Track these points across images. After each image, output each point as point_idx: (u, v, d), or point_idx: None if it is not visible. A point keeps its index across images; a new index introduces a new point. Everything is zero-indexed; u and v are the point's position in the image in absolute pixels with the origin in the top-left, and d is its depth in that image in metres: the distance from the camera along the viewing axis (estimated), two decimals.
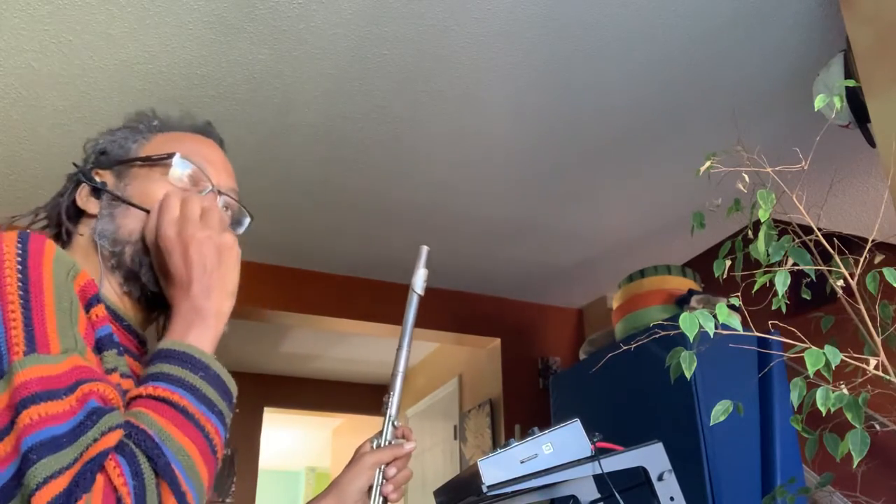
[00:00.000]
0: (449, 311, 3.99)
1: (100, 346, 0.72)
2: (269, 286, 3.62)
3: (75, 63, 2.19)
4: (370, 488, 1.00)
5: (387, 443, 1.02)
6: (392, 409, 1.03)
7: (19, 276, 0.66)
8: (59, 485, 0.56)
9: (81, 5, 1.97)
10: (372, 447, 1.03)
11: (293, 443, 7.92)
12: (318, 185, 2.91)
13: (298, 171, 2.81)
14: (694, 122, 2.56)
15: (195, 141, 0.93)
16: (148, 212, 0.84)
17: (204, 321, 0.75)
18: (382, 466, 1.01)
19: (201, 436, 0.66)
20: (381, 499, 1.00)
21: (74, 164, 0.92)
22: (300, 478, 8.77)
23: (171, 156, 0.88)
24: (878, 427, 1.48)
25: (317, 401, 5.87)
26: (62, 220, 0.88)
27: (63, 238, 0.88)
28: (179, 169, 0.88)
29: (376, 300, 3.74)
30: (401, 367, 1.04)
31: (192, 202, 0.80)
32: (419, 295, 1.08)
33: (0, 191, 2.84)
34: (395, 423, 1.03)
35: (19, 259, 0.67)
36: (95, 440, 0.59)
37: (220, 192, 0.91)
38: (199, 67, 2.23)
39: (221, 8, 2.00)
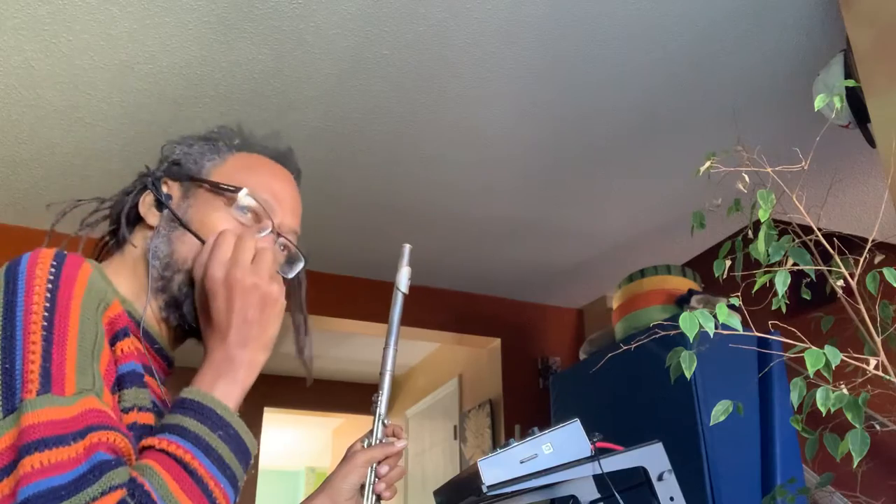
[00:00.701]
0: (449, 311, 3.99)
1: (121, 383, 0.71)
2: None
3: (75, 63, 2.19)
4: (363, 486, 1.01)
5: (377, 441, 1.03)
6: (381, 408, 1.03)
7: (46, 304, 0.64)
8: None
9: (81, 5, 1.97)
10: (363, 446, 1.04)
11: (293, 443, 7.92)
12: (318, 184, 2.91)
13: None
14: (694, 121, 2.56)
15: (269, 173, 0.90)
16: (203, 241, 0.82)
17: (234, 373, 0.73)
18: (374, 465, 1.01)
19: (207, 501, 0.65)
20: (374, 497, 1.00)
21: (146, 167, 0.91)
22: (300, 478, 8.77)
23: (237, 189, 0.85)
24: (878, 427, 1.48)
25: (317, 401, 5.87)
26: (121, 223, 0.87)
27: (119, 238, 0.87)
28: (243, 204, 0.85)
29: (376, 300, 3.74)
30: (388, 367, 1.04)
31: (245, 244, 0.78)
32: (404, 293, 1.08)
33: (0, 191, 2.84)
34: (385, 421, 1.04)
35: (49, 286, 0.66)
36: (95, 499, 0.57)
37: (279, 234, 0.88)
38: (199, 67, 2.23)
39: (221, 8, 2.00)
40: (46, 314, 0.64)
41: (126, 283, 0.81)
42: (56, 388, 0.60)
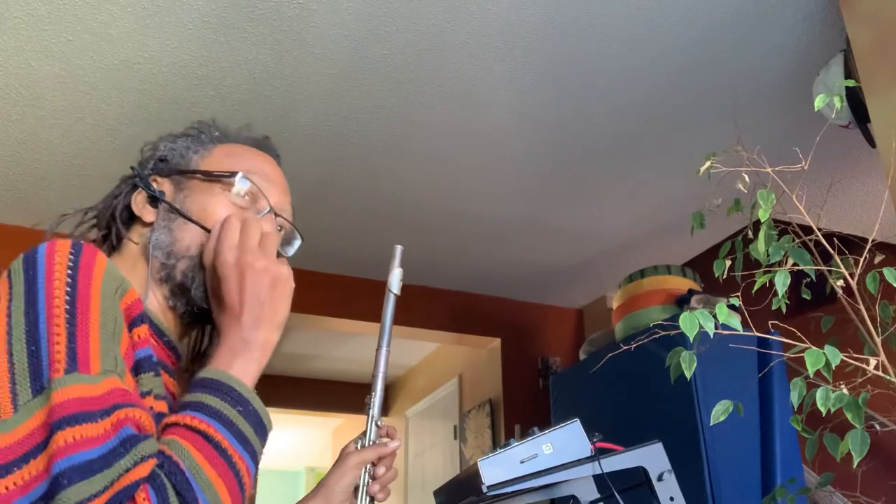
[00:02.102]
0: (449, 311, 3.99)
1: (138, 368, 0.72)
2: None
3: (75, 63, 2.19)
4: (356, 488, 1.01)
5: (370, 442, 1.03)
6: (374, 409, 1.03)
7: (68, 289, 0.65)
8: None
9: (81, 5, 1.97)
10: (356, 447, 1.04)
11: (293, 443, 7.91)
12: (318, 184, 2.91)
13: (298, 170, 2.81)
14: (694, 121, 2.56)
15: (256, 157, 0.92)
16: (206, 229, 0.83)
17: (250, 353, 0.75)
18: (368, 466, 1.01)
19: (231, 473, 0.66)
20: (368, 498, 1.00)
21: (132, 168, 0.91)
22: (300, 478, 8.76)
23: (233, 174, 0.87)
24: (878, 427, 1.48)
25: (317, 401, 5.87)
26: (114, 224, 0.87)
27: (112, 241, 0.88)
28: (240, 187, 0.87)
29: (376, 300, 3.70)
30: (381, 368, 1.04)
31: (252, 228, 0.80)
32: (396, 295, 1.09)
33: (0, 191, 2.84)
34: (379, 422, 1.04)
35: (69, 272, 0.67)
36: (128, 469, 0.59)
37: (276, 214, 0.90)
38: (199, 68, 2.23)
39: (221, 8, 2.00)
40: (68, 298, 0.65)
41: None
42: (82, 368, 0.62)
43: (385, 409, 6.05)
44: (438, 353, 5.09)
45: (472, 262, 3.70)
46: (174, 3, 1.98)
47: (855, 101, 1.88)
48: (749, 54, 2.24)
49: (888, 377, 1.20)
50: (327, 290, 3.76)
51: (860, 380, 1.20)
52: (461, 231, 3.35)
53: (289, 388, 5.75)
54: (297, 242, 0.95)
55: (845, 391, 1.13)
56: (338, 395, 5.87)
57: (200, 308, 0.83)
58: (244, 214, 0.84)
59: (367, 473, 1.01)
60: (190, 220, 0.84)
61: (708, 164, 1.39)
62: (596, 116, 2.53)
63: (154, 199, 0.86)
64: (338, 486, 1.01)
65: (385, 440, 1.04)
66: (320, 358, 5.47)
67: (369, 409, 1.03)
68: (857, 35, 1.82)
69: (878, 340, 1.25)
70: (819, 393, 1.13)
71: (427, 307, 3.84)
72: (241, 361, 0.74)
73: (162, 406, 0.74)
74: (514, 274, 3.87)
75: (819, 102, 1.33)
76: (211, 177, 0.87)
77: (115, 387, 0.63)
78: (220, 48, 2.15)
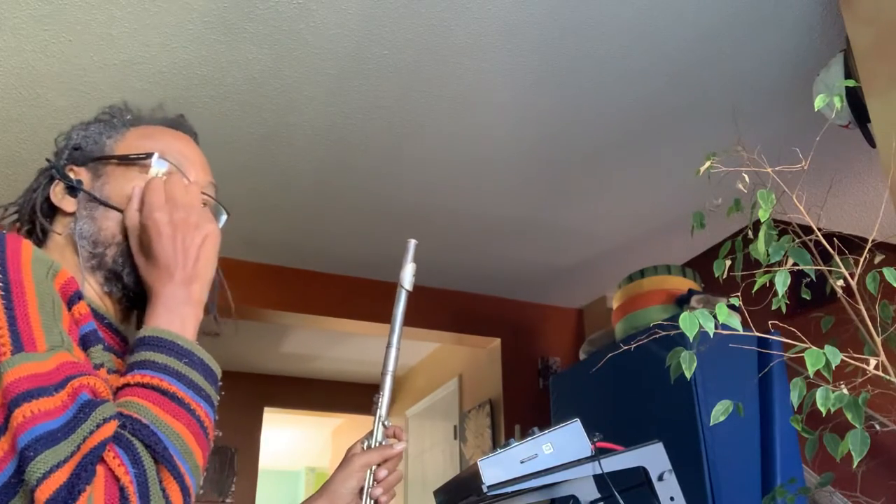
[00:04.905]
0: (449, 311, 3.99)
1: (85, 343, 0.72)
2: (269, 286, 3.62)
3: (75, 63, 2.19)
4: (361, 489, 1.01)
5: (377, 443, 1.02)
6: (382, 410, 1.02)
7: None
8: (60, 478, 0.57)
9: (81, 5, 1.97)
10: (362, 448, 1.03)
11: (293, 443, 7.92)
12: (318, 184, 2.91)
13: (298, 170, 2.81)
14: (694, 122, 2.56)
15: (170, 137, 0.92)
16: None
17: (186, 308, 0.75)
18: (373, 468, 1.01)
19: (193, 419, 0.67)
20: (372, 501, 1.00)
21: (48, 160, 0.90)
22: (300, 478, 8.77)
23: (149, 155, 0.86)
24: (878, 427, 1.48)
25: (317, 401, 5.87)
26: (36, 218, 0.87)
27: (37, 235, 0.87)
28: (158, 168, 0.86)
29: (376, 300, 3.74)
30: (390, 367, 1.03)
31: (176, 184, 0.81)
32: (407, 290, 1.06)
33: (0, 190, 2.84)
34: (386, 423, 1.03)
35: None
36: (91, 432, 0.60)
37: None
38: (200, 68, 2.23)
39: (221, 8, 2.00)
40: (2, 285, 0.65)
41: None
42: (28, 347, 0.62)
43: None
44: (438, 353, 5.09)
45: (472, 262, 3.70)
46: (174, 3, 1.97)
47: (855, 101, 1.88)
48: (749, 54, 2.24)
49: (888, 377, 1.20)
50: (327, 290, 3.76)
51: (860, 380, 1.20)
52: (461, 231, 3.35)
53: (289, 388, 5.75)
54: (224, 217, 0.94)
55: (845, 391, 1.13)
56: (337, 395, 5.87)
57: (136, 291, 0.83)
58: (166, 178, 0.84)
59: (371, 476, 1.00)
60: (110, 206, 0.84)
61: (708, 164, 1.39)
62: (596, 116, 2.53)
63: (72, 189, 0.86)
64: (343, 489, 1.00)
65: (391, 441, 1.03)
66: (320, 358, 5.47)
67: (377, 409, 1.02)
68: (857, 35, 1.82)
69: (878, 340, 1.25)
70: (819, 393, 1.13)
71: (427, 307, 3.84)
72: (178, 317, 0.74)
73: (116, 381, 0.74)
74: (514, 274, 3.87)
75: (819, 102, 1.33)
76: (127, 160, 0.87)
77: (64, 360, 0.64)
78: (220, 48, 2.15)
